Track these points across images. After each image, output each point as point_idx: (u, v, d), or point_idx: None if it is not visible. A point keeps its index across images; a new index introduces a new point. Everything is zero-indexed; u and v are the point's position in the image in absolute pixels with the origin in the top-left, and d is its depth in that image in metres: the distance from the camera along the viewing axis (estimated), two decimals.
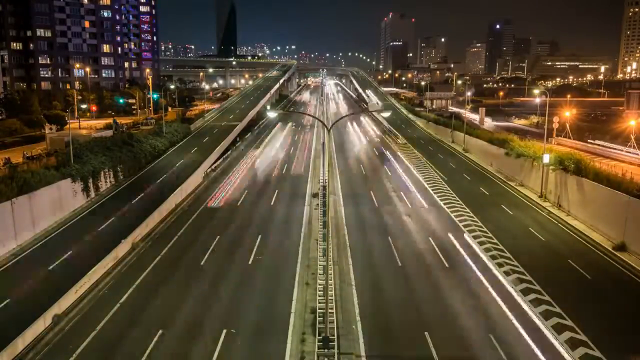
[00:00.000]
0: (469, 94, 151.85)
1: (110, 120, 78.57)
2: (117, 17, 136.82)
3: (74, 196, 43.26)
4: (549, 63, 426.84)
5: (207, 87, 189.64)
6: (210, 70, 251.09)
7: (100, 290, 28.59)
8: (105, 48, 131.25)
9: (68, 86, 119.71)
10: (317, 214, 42.44)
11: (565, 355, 22.00)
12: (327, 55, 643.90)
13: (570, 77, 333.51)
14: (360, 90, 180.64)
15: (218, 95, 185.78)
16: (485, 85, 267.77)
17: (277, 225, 40.55)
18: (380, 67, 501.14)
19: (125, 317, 25.53)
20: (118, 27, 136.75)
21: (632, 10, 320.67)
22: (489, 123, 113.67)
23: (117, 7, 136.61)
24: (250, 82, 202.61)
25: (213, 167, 61.56)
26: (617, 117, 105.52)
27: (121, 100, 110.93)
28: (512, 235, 37.62)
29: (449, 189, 51.46)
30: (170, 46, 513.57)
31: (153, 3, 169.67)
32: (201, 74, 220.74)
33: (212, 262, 32.68)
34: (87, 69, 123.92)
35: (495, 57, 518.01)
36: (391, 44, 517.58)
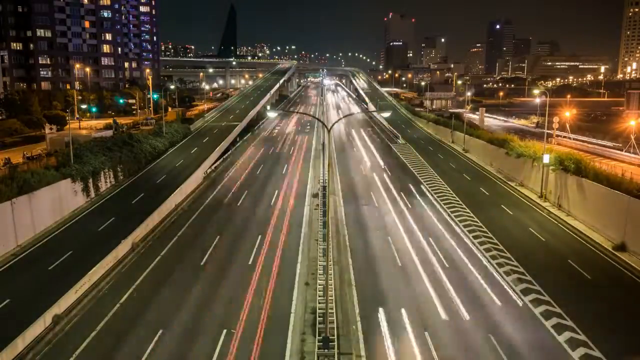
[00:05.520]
0: (469, 94, 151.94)
1: (110, 121, 78.62)
2: (117, 17, 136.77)
3: (74, 196, 43.27)
4: (549, 63, 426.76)
5: (207, 87, 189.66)
6: (210, 70, 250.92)
7: (100, 290, 28.62)
8: (105, 48, 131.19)
9: (68, 86, 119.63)
10: (317, 214, 42.46)
11: (566, 355, 22.00)
12: (327, 55, 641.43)
13: (570, 77, 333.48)
14: (360, 91, 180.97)
15: (218, 95, 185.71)
16: (485, 86, 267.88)
17: (277, 225, 40.57)
18: (380, 67, 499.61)
19: (125, 317, 25.56)
20: (118, 27, 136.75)
21: (632, 10, 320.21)
22: (490, 122, 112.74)
23: (117, 7, 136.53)
24: (250, 83, 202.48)
25: (213, 167, 61.58)
26: (617, 117, 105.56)
27: (121, 101, 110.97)
28: (512, 236, 37.63)
29: (448, 189, 51.46)
30: (170, 46, 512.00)
31: (153, 3, 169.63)
32: (201, 74, 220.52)
33: (212, 262, 32.71)
34: (87, 69, 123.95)
35: (495, 57, 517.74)
36: (391, 44, 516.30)
